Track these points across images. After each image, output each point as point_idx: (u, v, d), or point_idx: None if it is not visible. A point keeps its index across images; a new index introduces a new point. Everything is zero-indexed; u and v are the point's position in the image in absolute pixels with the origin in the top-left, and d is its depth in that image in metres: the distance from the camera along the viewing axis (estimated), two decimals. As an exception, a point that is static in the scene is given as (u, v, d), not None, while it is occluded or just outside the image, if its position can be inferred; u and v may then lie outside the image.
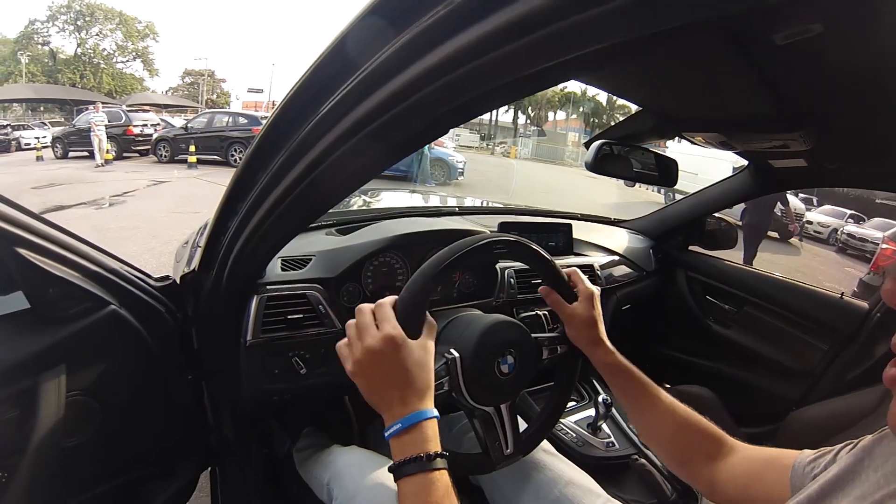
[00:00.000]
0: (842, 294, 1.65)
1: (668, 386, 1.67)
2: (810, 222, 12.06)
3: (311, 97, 0.59)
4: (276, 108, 0.65)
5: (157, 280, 1.00)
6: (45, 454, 0.77)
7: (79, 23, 30.48)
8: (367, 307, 0.65)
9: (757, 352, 1.79)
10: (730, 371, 1.87)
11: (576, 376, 0.89)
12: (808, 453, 0.57)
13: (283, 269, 1.15)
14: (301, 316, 1.08)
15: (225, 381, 1.06)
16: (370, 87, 0.51)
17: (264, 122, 0.69)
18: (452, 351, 0.76)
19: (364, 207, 1.94)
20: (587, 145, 1.32)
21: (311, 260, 1.19)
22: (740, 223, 10.63)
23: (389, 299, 0.66)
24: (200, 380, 1.08)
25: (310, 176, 0.62)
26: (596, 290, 0.85)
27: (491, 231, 1.48)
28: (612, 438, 1.25)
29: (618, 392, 0.80)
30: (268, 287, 1.07)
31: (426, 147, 10.22)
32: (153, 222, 5.89)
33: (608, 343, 0.81)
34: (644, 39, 0.38)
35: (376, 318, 0.63)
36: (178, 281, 1.03)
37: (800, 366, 1.69)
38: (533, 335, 0.84)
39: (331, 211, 1.65)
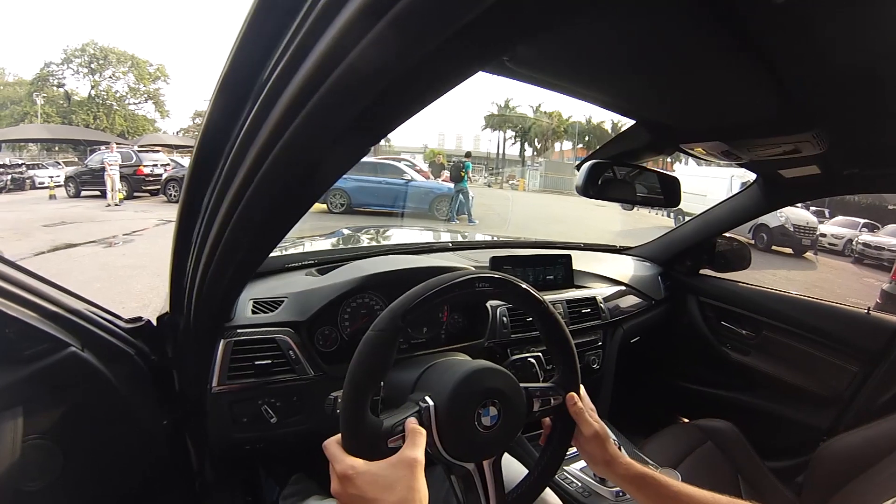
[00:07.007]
0: (868, 309, 1.57)
1: (685, 421, 1.56)
2: (824, 235, 11.88)
3: (227, 118, 0.53)
4: (197, 140, 0.59)
5: (127, 322, 0.97)
6: (0, 496, 0.75)
7: (93, 66, 31.43)
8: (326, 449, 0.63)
9: (780, 379, 1.69)
10: (751, 401, 1.77)
11: (571, 435, 0.79)
12: None
13: (253, 312, 1.09)
14: (270, 362, 1.01)
15: (200, 425, 1.01)
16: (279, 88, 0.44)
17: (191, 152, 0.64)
18: (427, 399, 0.68)
19: (351, 246, 1.87)
20: (578, 168, 1.17)
21: (283, 301, 1.12)
22: (752, 241, 10.53)
23: (333, 438, 0.63)
24: (182, 423, 1.03)
25: (241, 201, 0.54)
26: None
27: (479, 267, 1.40)
28: (621, 487, 1.14)
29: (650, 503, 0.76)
30: (237, 331, 1.01)
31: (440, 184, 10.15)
32: (160, 261, 5.85)
33: (623, 456, 0.77)
34: None
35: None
36: (154, 322, 0.99)
37: (827, 391, 1.59)
38: (523, 385, 0.74)
39: (313, 250, 1.59)
